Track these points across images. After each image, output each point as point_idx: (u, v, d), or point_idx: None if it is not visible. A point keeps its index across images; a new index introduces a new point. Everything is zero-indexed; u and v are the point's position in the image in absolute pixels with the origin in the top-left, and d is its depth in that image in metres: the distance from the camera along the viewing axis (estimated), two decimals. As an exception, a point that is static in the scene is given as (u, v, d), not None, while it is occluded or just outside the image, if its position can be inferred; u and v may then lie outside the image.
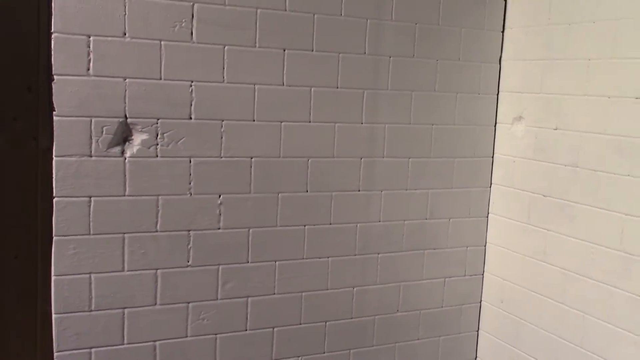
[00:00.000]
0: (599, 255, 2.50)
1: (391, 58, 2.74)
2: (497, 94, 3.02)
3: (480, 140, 3.01)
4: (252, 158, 2.53)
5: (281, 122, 2.56)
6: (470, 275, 3.09)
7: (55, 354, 2.29)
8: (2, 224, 2.25)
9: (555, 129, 2.69)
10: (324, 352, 2.79)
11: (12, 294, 2.29)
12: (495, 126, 3.03)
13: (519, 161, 2.90)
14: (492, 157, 3.06)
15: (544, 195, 2.75)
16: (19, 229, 2.27)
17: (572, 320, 2.62)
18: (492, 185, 3.07)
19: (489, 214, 3.08)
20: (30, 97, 2.24)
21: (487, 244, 3.10)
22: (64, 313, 2.29)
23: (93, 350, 2.35)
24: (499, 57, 3.00)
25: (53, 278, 2.27)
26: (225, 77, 2.44)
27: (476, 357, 3.18)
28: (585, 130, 2.55)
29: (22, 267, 2.29)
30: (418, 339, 3.01)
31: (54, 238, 2.25)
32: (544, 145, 2.75)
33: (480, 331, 3.16)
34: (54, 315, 2.29)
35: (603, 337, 2.49)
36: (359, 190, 2.76)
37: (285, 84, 2.55)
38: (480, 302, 3.14)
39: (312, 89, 2.60)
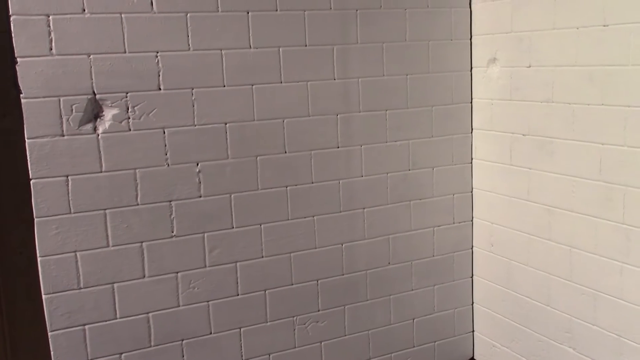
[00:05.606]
0: (581, 187, 2.50)
1: (358, 11, 2.71)
2: (470, 38, 2.99)
3: (457, 86, 2.99)
4: (226, 124, 2.53)
5: (252, 85, 2.55)
6: (460, 223, 3.10)
7: (49, 334, 2.33)
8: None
9: (529, 67, 2.68)
10: (319, 310, 2.81)
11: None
12: (471, 71, 3.01)
13: (496, 103, 2.89)
14: (471, 102, 3.04)
15: (523, 135, 2.75)
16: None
17: (560, 255, 2.63)
18: (474, 130, 3.06)
19: (473, 160, 3.08)
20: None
21: (474, 189, 3.10)
22: (54, 293, 2.32)
23: (87, 327, 2.38)
24: (469, 1, 2.97)
25: (39, 259, 2.29)
26: (190, 45, 2.43)
27: (472, 302, 3.20)
28: (557, 64, 2.53)
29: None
30: (412, 290, 3.03)
31: (35, 220, 2.27)
32: (519, 84, 2.74)
33: (474, 277, 3.18)
34: (44, 296, 2.31)
35: (590, 268, 2.50)
36: (338, 147, 2.76)
37: (252, 46, 2.53)
38: (472, 248, 3.16)
39: (280, 49, 2.58)
